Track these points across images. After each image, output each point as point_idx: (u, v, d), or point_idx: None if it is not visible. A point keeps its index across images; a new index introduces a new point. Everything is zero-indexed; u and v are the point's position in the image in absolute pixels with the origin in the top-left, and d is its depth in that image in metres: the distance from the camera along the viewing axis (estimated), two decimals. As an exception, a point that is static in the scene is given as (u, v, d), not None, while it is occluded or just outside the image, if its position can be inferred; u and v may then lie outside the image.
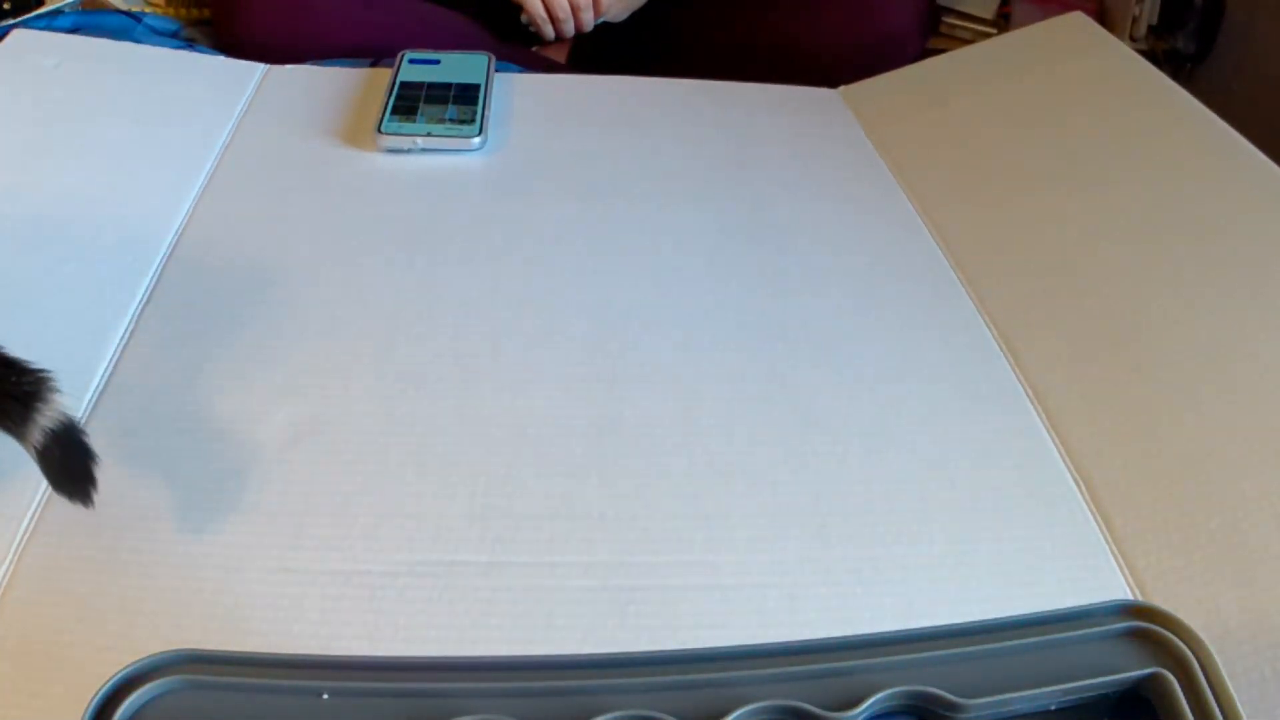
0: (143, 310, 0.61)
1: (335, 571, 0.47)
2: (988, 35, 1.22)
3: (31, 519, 0.48)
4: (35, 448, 0.45)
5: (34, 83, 0.80)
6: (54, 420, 0.45)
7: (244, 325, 0.61)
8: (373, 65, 0.92)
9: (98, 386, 0.56)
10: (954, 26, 1.24)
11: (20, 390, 0.45)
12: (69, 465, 0.46)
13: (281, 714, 0.31)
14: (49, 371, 0.46)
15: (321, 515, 0.49)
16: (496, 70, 0.89)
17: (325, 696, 0.32)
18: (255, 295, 0.63)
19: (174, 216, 0.69)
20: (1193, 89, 0.78)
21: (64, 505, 0.47)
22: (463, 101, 0.82)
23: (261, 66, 0.88)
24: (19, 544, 0.47)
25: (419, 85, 0.84)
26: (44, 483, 0.47)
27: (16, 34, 0.83)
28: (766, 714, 0.33)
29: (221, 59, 0.89)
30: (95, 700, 0.30)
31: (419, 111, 0.81)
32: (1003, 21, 1.23)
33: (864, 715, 0.33)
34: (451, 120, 0.80)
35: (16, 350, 0.48)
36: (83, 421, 0.52)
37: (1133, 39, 1.15)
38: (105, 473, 0.48)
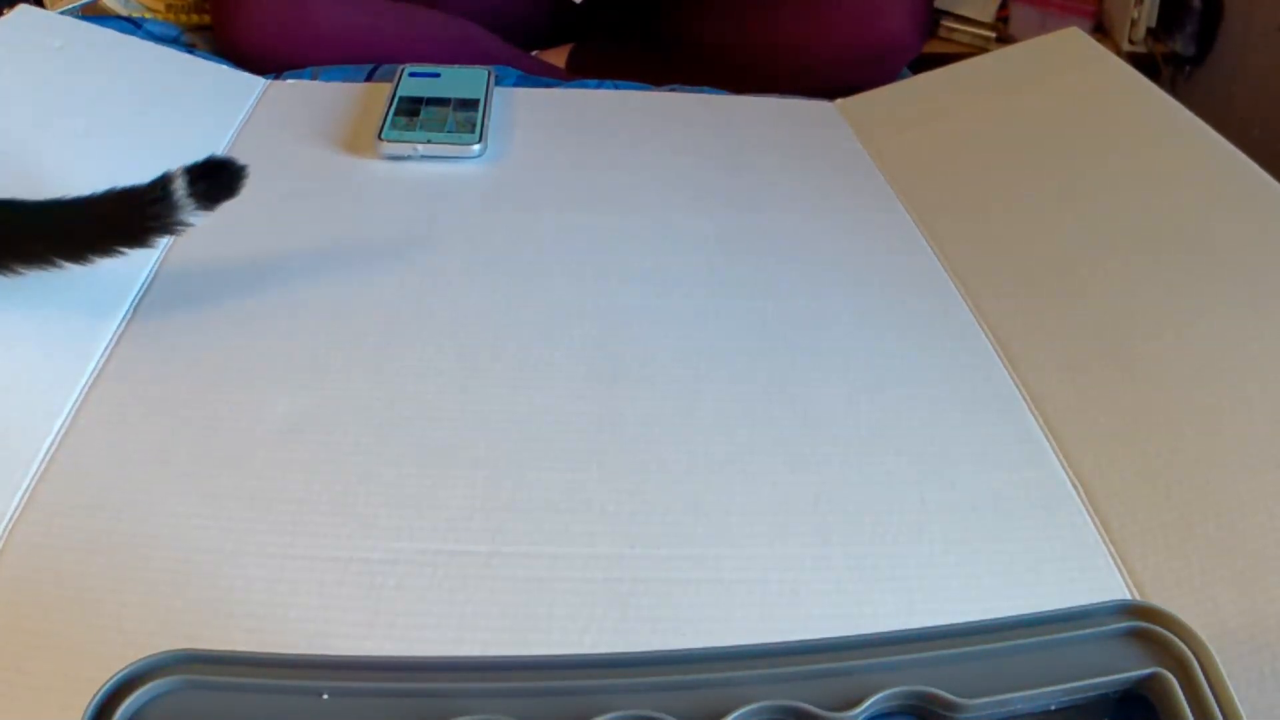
0: (140, 301, 0.61)
1: (333, 559, 0.47)
2: (986, 38, 1.23)
3: (22, 498, 0.48)
4: (191, 208, 0.56)
5: (37, 62, 0.80)
6: (182, 178, 0.56)
7: (243, 320, 0.61)
8: (373, 70, 0.92)
9: (93, 370, 0.56)
10: (952, 30, 1.25)
11: (151, 197, 0.56)
12: (215, 184, 0.57)
13: (281, 714, 0.31)
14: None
15: (320, 503, 0.50)
16: (495, 76, 0.89)
17: (325, 696, 0.32)
18: (254, 292, 0.63)
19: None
20: (1191, 91, 0.78)
21: (56, 483, 0.48)
22: (463, 112, 0.83)
23: (263, 80, 0.89)
24: (9, 523, 0.47)
25: (419, 97, 0.85)
26: (36, 459, 0.50)
27: (22, 9, 0.83)
28: (766, 714, 0.33)
29: (224, 67, 0.89)
30: (95, 700, 0.30)
31: (420, 121, 0.81)
32: (1001, 25, 1.24)
33: (864, 715, 0.33)
34: (452, 130, 0.80)
35: (11, 331, 0.53)
36: (78, 404, 0.54)
37: (1131, 42, 1.15)
38: (98, 456, 0.50)
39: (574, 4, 1.05)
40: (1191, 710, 0.33)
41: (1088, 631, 0.35)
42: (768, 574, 0.48)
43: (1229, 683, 0.33)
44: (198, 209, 0.57)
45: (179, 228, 0.57)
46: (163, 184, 0.56)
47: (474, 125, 0.81)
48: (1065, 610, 0.36)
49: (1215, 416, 0.54)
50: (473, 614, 0.45)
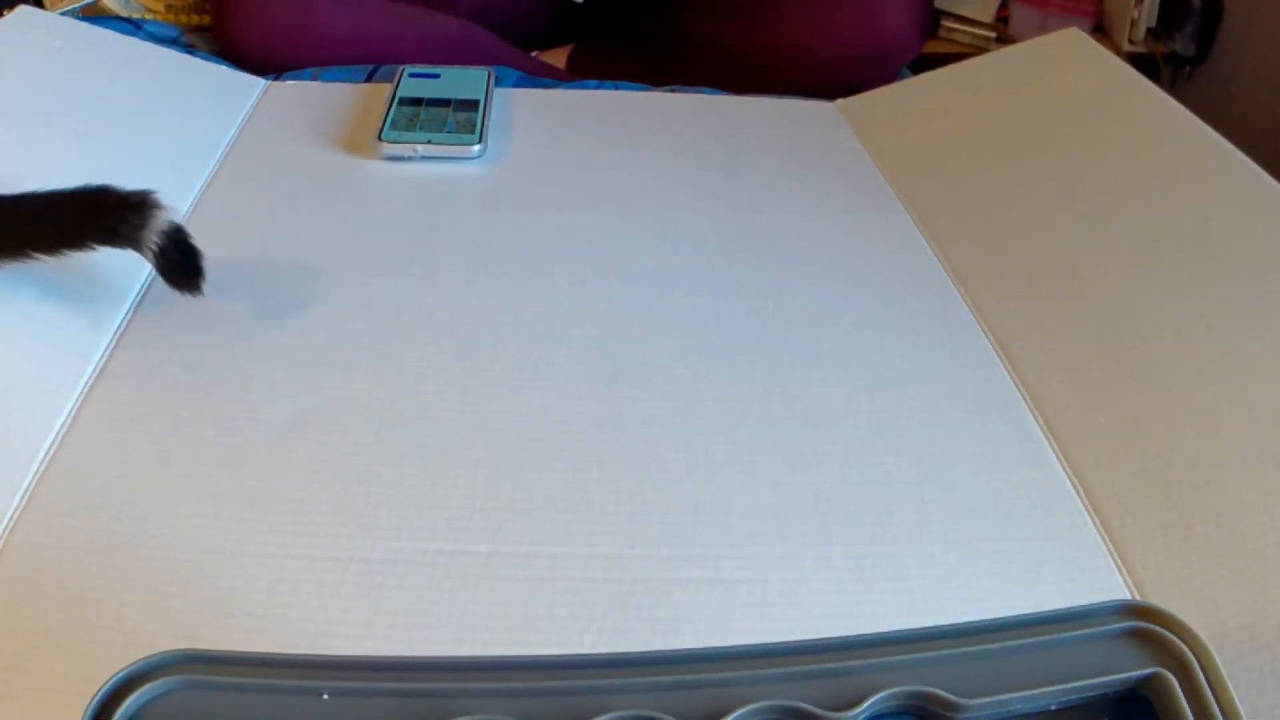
0: (140, 301, 0.61)
1: (333, 559, 0.47)
2: (986, 38, 1.23)
3: (22, 498, 0.48)
4: (151, 250, 0.56)
5: (37, 63, 0.80)
6: (167, 225, 0.56)
7: (243, 320, 0.61)
8: (373, 71, 0.92)
9: (93, 370, 0.56)
10: (952, 30, 1.25)
11: (131, 201, 0.55)
12: (184, 263, 0.57)
13: (281, 714, 0.31)
14: (152, 190, 0.56)
15: (320, 503, 0.50)
16: (495, 76, 0.89)
17: (325, 696, 0.32)
18: (254, 292, 0.64)
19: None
20: (1191, 91, 0.78)
21: (56, 483, 0.49)
22: (463, 113, 0.83)
23: (263, 81, 0.89)
24: (9, 523, 0.47)
25: (419, 98, 0.85)
26: (36, 459, 0.50)
27: (22, 10, 0.84)
28: (766, 714, 0.33)
29: (224, 68, 0.90)
30: (95, 700, 0.30)
31: (420, 121, 0.81)
32: (1001, 25, 1.24)
33: (864, 715, 0.33)
34: (452, 130, 0.80)
35: (12, 331, 0.54)
36: (78, 404, 0.54)
37: (1131, 42, 1.15)
38: (98, 456, 0.50)
39: (575, 5, 1.05)
40: (1191, 710, 0.33)
41: (1088, 631, 0.35)
42: (768, 574, 0.48)
43: (1229, 683, 0.33)
44: (156, 262, 0.57)
45: (125, 246, 0.56)
46: (141, 205, 0.55)
47: (474, 126, 0.81)
48: (1065, 610, 0.36)
49: (1215, 416, 0.54)
50: (473, 614, 0.45)
